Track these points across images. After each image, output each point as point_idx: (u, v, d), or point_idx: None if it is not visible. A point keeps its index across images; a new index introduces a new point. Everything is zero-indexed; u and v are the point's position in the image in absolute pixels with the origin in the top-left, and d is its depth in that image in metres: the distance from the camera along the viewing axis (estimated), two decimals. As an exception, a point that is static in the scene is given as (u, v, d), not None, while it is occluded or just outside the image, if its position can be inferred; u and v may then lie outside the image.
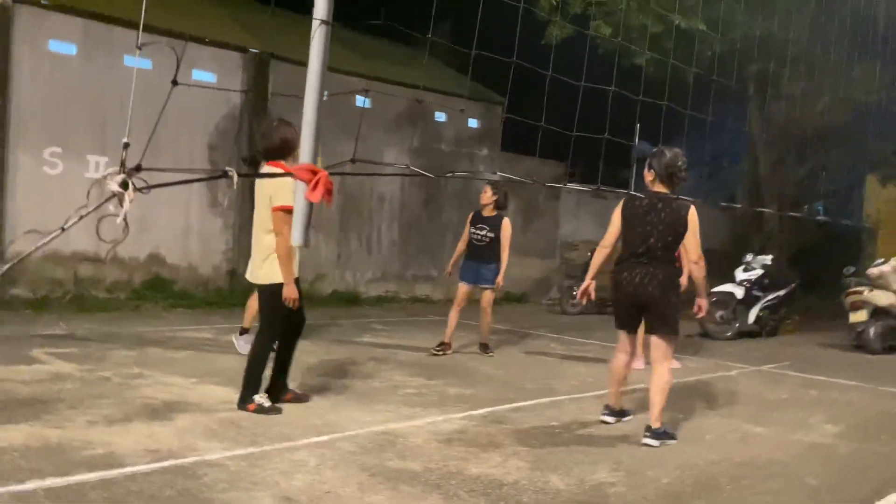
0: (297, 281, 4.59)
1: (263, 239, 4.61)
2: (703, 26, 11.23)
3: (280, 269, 4.51)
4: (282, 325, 4.70)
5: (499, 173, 12.24)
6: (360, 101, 11.64)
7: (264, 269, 4.63)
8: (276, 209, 4.48)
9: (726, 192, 16.68)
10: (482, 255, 7.26)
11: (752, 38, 11.83)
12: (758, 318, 10.47)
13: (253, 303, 6.33)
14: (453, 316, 7.27)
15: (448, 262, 7.77)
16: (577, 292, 4.97)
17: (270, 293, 4.60)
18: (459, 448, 4.08)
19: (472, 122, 13.80)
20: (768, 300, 10.63)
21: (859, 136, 14.98)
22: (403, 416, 4.76)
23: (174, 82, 1.66)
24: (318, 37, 1.56)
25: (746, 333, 10.26)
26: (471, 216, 7.49)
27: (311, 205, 1.44)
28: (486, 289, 7.31)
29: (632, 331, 4.78)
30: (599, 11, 11.91)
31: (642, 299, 4.52)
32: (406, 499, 3.24)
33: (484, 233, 7.26)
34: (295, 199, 1.50)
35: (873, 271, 9.98)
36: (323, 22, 1.67)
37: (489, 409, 5.05)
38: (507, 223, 7.33)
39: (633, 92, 5.13)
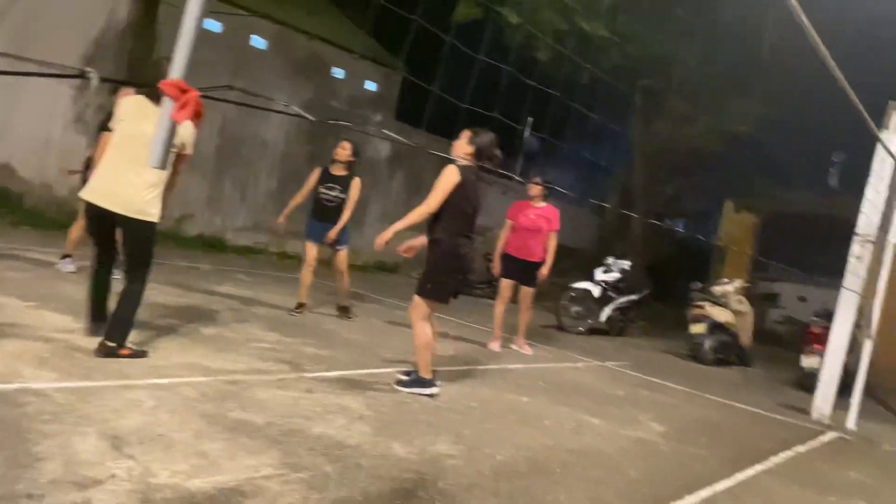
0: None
1: (145, 172, 4.17)
2: (605, 33, 11.62)
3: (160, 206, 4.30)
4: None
5: (384, 132, 12.08)
6: (257, 41, 11.17)
7: (147, 204, 4.24)
8: (187, 156, 4.38)
9: (600, 195, 17.48)
10: (332, 216, 7.00)
11: (648, 54, 12.38)
12: (609, 318, 11.07)
13: (78, 230, 6.17)
14: (306, 275, 7.10)
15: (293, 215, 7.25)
16: (404, 245, 4.97)
17: (152, 230, 4.31)
18: (306, 406, 4.05)
19: (370, 85, 13.60)
20: (621, 302, 11.25)
21: (725, 163, 16.09)
22: (253, 369, 4.65)
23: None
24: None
25: (597, 330, 10.83)
26: (319, 173, 7.11)
27: (174, 125, 1.35)
28: (340, 250, 7.17)
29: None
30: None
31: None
32: (243, 450, 3.18)
33: (335, 193, 7.00)
34: (161, 118, 1.41)
35: (717, 289, 10.82)
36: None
37: (342, 373, 5.04)
38: (357, 183, 7.06)
39: (527, 84, 5.24)
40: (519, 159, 15.47)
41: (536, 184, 7.58)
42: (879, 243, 7.13)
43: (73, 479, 2.56)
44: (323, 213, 7.02)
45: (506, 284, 7.52)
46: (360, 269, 12.58)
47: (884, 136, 6.93)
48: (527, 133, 14.21)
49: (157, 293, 6.32)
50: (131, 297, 4.31)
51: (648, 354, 10.04)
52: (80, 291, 5.62)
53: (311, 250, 7.12)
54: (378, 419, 4.10)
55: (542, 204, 7.55)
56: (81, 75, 1.38)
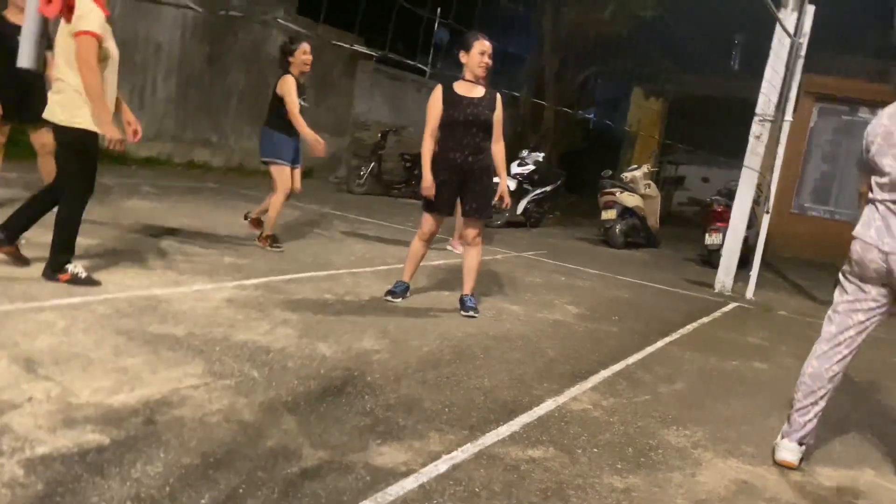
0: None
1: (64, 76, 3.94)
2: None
3: (88, 111, 3.94)
4: (89, 177, 4.15)
5: (290, 25, 11.63)
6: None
7: (64, 107, 3.97)
8: (79, 34, 3.81)
9: (511, 86, 17.42)
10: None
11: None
12: (525, 210, 11.31)
13: None
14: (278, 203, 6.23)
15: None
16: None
17: (72, 136, 4.02)
18: (227, 315, 4.02)
19: (267, -22, 12.81)
20: (536, 194, 11.48)
21: (633, 49, 16.22)
22: (169, 281, 4.55)
23: None
24: None
25: (514, 223, 11.06)
26: (295, 84, 6.06)
27: (44, 20, 1.24)
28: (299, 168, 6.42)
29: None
30: None
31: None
32: (165, 363, 3.15)
33: (307, 104, 6.28)
34: (25, 11, 1.29)
35: (626, 175, 11.16)
36: None
37: (262, 280, 5.00)
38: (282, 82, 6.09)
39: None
40: (429, 56, 15.09)
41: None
42: (777, 122, 7.45)
43: (-12, 404, 2.50)
44: (293, 128, 6.08)
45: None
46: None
47: (782, 15, 7.11)
48: (436, 27, 13.81)
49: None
50: (58, 219, 4.11)
51: (563, 243, 10.37)
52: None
53: (296, 175, 6.32)
54: (301, 321, 4.13)
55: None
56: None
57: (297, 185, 6.34)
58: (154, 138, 11.33)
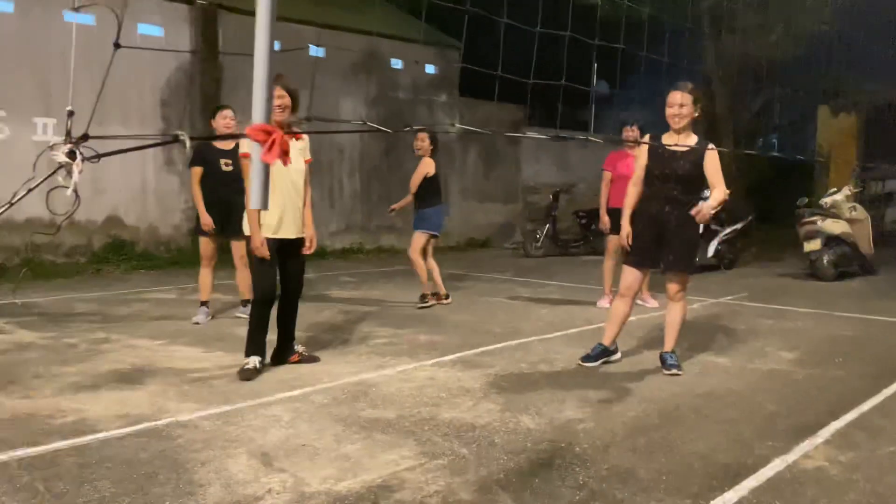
0: (292, 242, 4.64)
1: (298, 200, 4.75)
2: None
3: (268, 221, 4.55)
4: (264, 282, 4.56)
5: (456, 125, 12.12)
6: (314, 50, 11.37)
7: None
8: (307, 161, 4.84)
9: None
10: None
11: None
12: (716, 252, 10.72)
13: (207, 275, 6.18)
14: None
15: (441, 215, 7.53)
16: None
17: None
18: (431, 394, 4.16)
19: (429, 69, 13.62)
20: (726, 234, 10.87)
21: (812, 67, 15.15)
22: (375, 365, 4.82)
23: (116, 45, 1.60)
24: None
25: (706, 267, 10.51)
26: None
27: (266, 166, 1.42)
28: (416, 233, 7.31)
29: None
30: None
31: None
32: (381, 446, 3.31)
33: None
34: (251, 162, 1.49)
35: (826, 201, 10.26)
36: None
37: (458, 355, 5.14)
38: (422, 164, 7.19)
39: (588, 31, 5.09)
40: (591, 111, 15.09)
41: (630, 131, 7.28)
42: None
43: (235, 498, 2.75)
44: None
45: (615, 239, 7.32)
46: (455, 250, 12.73)
47: None
48: (595, 81, 13.84)
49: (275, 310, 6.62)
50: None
51: (765, 281, 9.68)
52: (204, 326, 6.01)
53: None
54: (502, 395, 4.17)
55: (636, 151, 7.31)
56: (175, 139, 1.47)
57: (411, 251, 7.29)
58: (346, 231, 12.26)
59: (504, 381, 4.46)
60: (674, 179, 4.62)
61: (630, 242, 4.77)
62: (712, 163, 4.63)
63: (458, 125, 11.49)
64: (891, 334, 6.21)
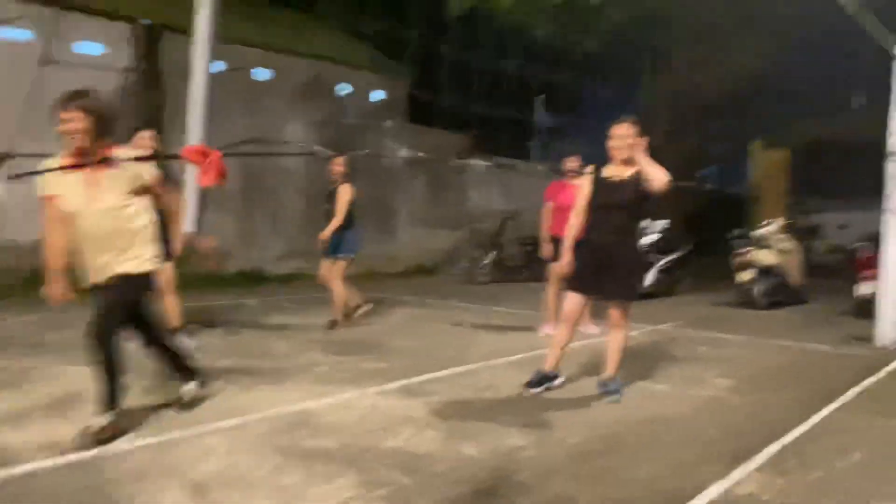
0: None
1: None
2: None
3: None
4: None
5: (404, 150, 12.18)
6: (261, 73, 11.30)
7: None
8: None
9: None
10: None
11: (647, 13, 12.16)
12: (655, 280, 10.96)
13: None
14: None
15: (362, 238, 7.58)
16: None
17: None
18: (374, 423, 4.10)
19: (378, 94, 13.66)
20: (665, 262, 11.14)
21: (746, 103, 15.80)
22: (316, 394, 4.73)
23: (46, 61, 1.55)
24: (204, 4, 1.46)
25: (645, 295, 10.72)
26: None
27: (202, 190, 1.40)
28: (337, 259, 7.32)
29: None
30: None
31: None
32: (321, 477, 3.24)
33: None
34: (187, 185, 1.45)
35: (757, 233, 10.64)
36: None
37: (402, 383, 5.09)
38: (342, 190, 7.29)
39: (533, 64, 5.21)
40: (535, 141, 15.36)
41: (571, 161, 7.40)
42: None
43: (168, 532, 2.64)
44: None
45: (558, 266, 7.36)
46: (400, 276, 12.70)
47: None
48: (538, 112, 14.12)
49: (212, 336, 6.46)
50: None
51: (701, 310, 9.93)
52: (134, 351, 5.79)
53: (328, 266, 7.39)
54: (445, 423, 4.14)
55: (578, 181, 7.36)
56: (106, 160, 1.43)
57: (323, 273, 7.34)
58: (288, 255, 12.07)
59: (448, 409, 4.44)
60: (616, 209, 4.72)
61: (572, 270, 4.83)
62: (648, 167, 4.70)
63: (405, 150, 11.54)
64: (820, 362, 6.43)
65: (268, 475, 3.25)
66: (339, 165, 7.32)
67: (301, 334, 6.91)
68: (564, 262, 4.86)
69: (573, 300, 4.86)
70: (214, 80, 6.43)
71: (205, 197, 1.44)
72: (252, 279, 11.22)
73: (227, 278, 10.74)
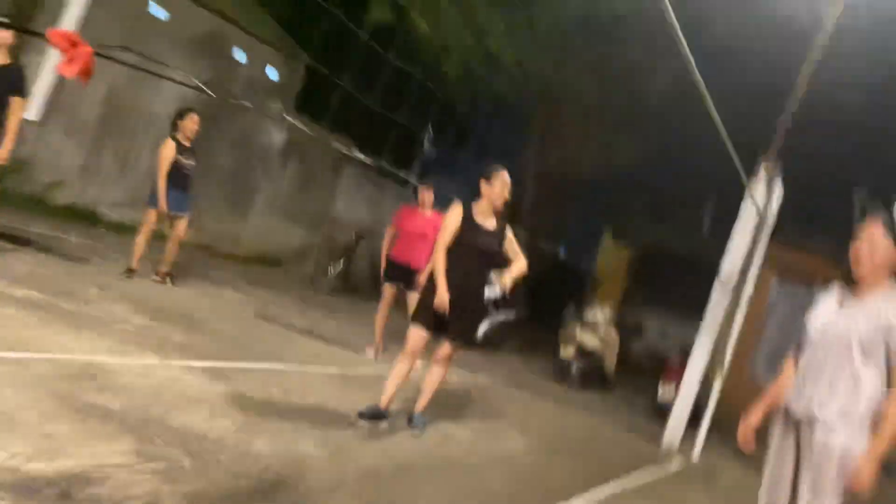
0: None
1: None
2: (513, 58, 11.91)
3: None
4: None
5: (291, 121, 11.85)
6: (157, 9, 10.66)
7: None
8: None
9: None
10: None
11: (552, 81, 12.75)
12: (487, 333, 11.26)
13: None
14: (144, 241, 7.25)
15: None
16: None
17: None
18: (168, 396, 3.87)
19: (271, 72, 13.26)
20: (498, 320, 11.49)
21: (611, 190, 16.90)
22: (116, 351, 4.40)
23: None
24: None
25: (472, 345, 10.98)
26: (174, 147, 7.31)
27: (61, 79, 1.26)
28: (184, 217, 7.39)
29: None
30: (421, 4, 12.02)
31: None
32: (94, 436, 2.99)
33: (193, 162, 7.49)
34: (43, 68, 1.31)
35: (589, 315, 11.30)
36: None
37: (211, 364, 4.85)
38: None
39: (433, 94, 5.27)
40: (416, 166, 15.48)
41: (426, 190, 7.44)
42: (738, 289, 7.65)
43: None
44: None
45: (388, 288, 7.35)
46: (241, 261, 12.22)
47: (752, 185, 7.47)
48: (427, 142, 14.29)
49: (18, 261, 5.87)
50: None
51: (518, 370, 10.31)
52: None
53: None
54: (244, 415, 3.98)
55: (430, 212, 7.38)
56: None
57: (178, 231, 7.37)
58: (129, 205, 11.24)
59: (250, 402, 4.27)
60: (480, 254, 4.79)
61: (427, 305, 4.73)
62: (513, 241, 4.91)
63: (287, 117, 11.16)
64: (609, 445, 6.86)
65: (34, 418, 2.95)
66: (194, 123, 7.45)
67: (118, 286, 6.43)
68: (439, 300, 4.68)
69: (418, 335, 4.77)
70: (105, 2, 5.97)
71: (50, 111, 1.28)
72: (81, 216, 10.36)
73: (54, 208, 9.86)
